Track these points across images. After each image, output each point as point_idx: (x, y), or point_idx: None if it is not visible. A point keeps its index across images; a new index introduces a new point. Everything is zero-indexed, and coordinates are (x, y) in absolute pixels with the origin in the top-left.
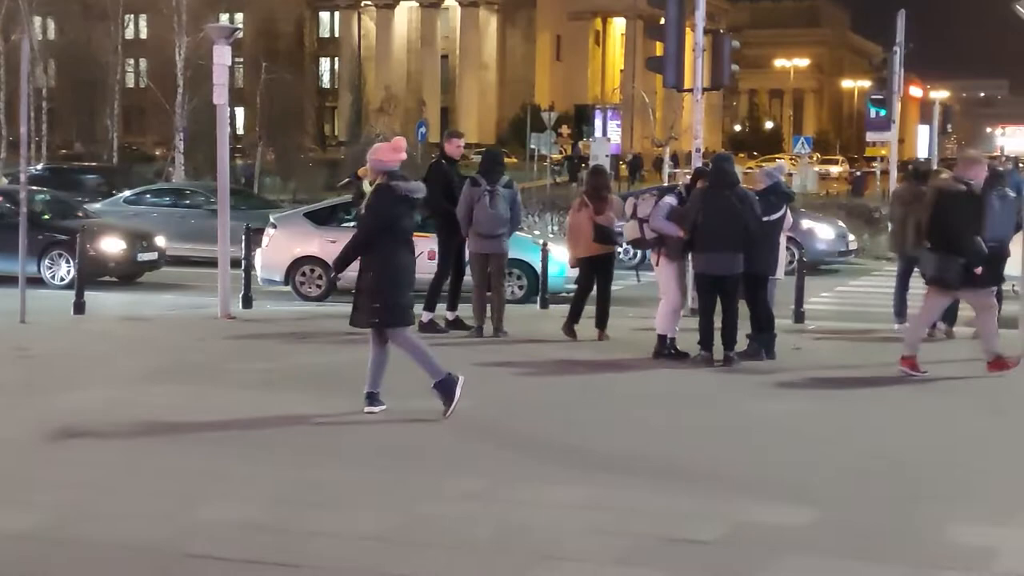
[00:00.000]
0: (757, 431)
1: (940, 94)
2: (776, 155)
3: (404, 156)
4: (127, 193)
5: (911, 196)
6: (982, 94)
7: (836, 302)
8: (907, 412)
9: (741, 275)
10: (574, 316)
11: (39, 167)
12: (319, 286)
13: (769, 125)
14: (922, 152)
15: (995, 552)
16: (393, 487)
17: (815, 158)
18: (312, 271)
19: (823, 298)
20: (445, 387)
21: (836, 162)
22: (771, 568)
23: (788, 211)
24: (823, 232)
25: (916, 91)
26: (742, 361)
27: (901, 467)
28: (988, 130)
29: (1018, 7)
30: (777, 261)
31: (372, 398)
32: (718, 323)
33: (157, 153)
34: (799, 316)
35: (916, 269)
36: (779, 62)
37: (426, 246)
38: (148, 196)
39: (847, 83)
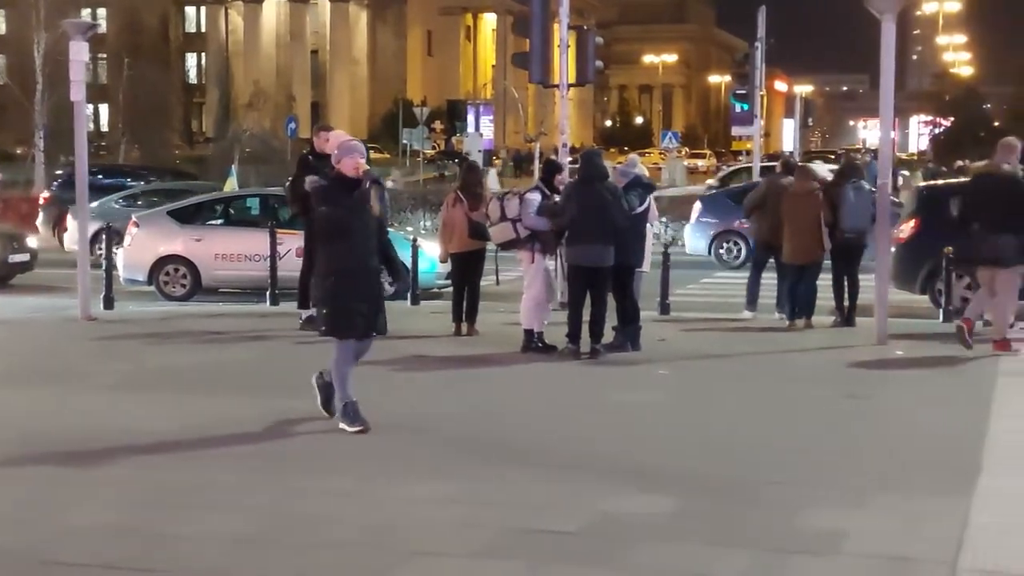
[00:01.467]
0: (620, 422)
1: (804, 88)
2: (646, 149)
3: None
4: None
5: (774, 189)
6: (844, 88)
7: (702, 293)
8: (765, 400)
9: (611, 268)
10: (457, 315)
11: None
12: (184, 285)
13: (639, 120)
14: (787, 145)
15: (844, 535)
16: (259, 487)
17: (684, 152)
18: (176, 270)
19: (689, 290)
20: (344, 412)
21: (704, 156)
22: (628, 556)
23: (652, 202)
24: None
25: (781, 86)
26: (608, 353)
27: (758, 453)
28: (851, 123)
29: (870, 3)
30: (644, 253)
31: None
32: (587, 316)
33: (18, 151)
34: (665, 308)
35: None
36: (648, 58)
37: (294, 243)
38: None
39: (714, 78)
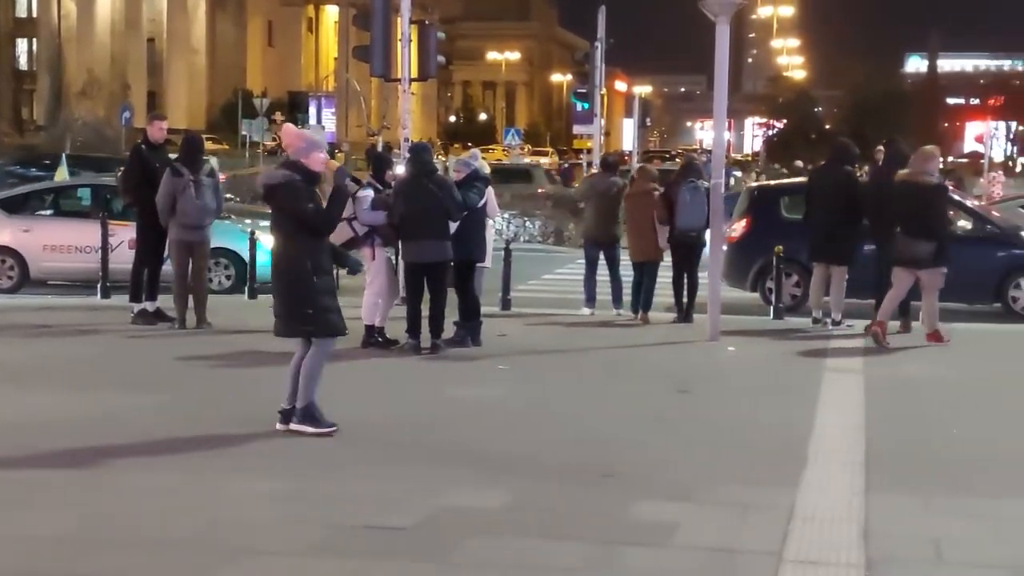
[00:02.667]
0: (458, 417)
1: (643, 88)
2: (489, 146)
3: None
4: None
5: (604, 187)
6: (683, 89)
7: (543, 289)
8: (600, 394)
9: (450, 263)
10: None
11: None
12: (11, 277)
13: (483, 116)
14: (627, 145)
15: (675, 527)
16: (84, 485)
17: (526, 149)
18: (3, 262)
19: (530, 285)
20: (306, 416)
21: (546, 153)
22: (462, 550)
23: (493, 197)
24: None
25: (621, 85)
26: (449, 348)
27: (592, 447)
28: (688, 124)
29: (705, 5)
30: (486, 248)
31: (306, 415)
32: (426, 311)
33: None
34: (506, 303)
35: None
36: (492, 54)
37: (126, 235)
38: None
39: (556, 77)
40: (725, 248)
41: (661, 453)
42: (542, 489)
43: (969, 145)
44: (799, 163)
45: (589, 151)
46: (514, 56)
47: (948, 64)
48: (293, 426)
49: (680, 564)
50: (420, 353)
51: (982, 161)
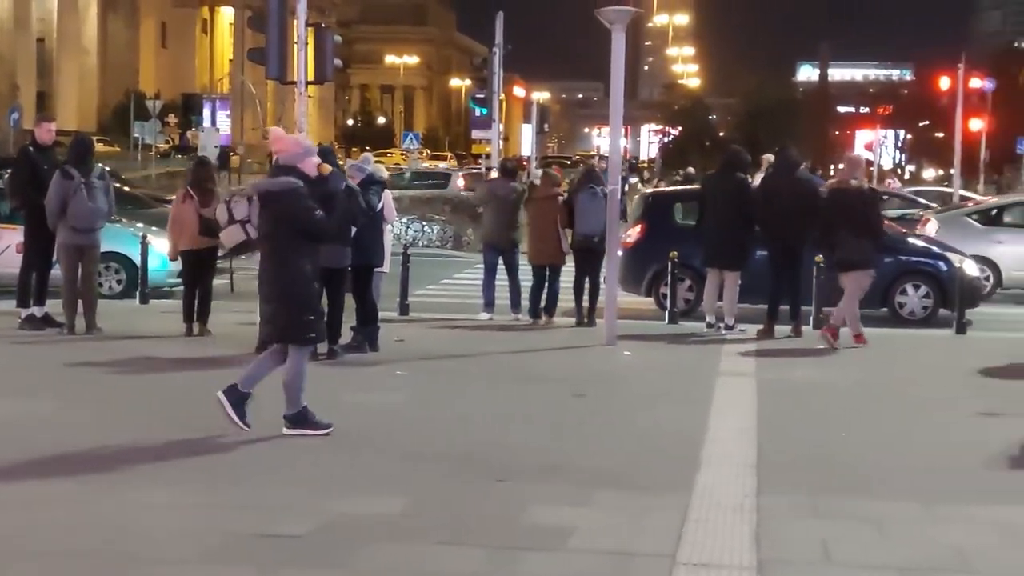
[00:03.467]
0: (356, 422)
1: (542, 94)
2: (387, 150)
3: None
4: None
5: (504, 192)
6: (580, 95)
7: (441, 294)
8: (498, 399)
9: (348, 268)
10: (188, 314)
11: None
12: None
13: (381, 120)
14: (526, 150)
15: (571, 531)
16: None
17: (425, 154)
18: None
19: (428, 290)
20: (299, 420)
21: (445, 158)
22: (358, 558)
23: (391, 201)
24: None
25: (520, 91)
26: (346, 354)
27: (489, 452)
28: (586, 130)
29: (601, 13)
30: (383, 252)
31: (299, 419)
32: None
33: None
34: (404, 308)
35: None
36: (390, 58)
37: (14, 238)
38: None
39: (455, 81)
40: (620, 253)
41: (557, 457)
42: (440, 494)
43: (859, 152)
44: (691, 170)
45: (488, 156)
46: (412, 60)
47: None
48: (287, 431)
49: (576, 568)
50: (317, 359)
51: (871, 168)
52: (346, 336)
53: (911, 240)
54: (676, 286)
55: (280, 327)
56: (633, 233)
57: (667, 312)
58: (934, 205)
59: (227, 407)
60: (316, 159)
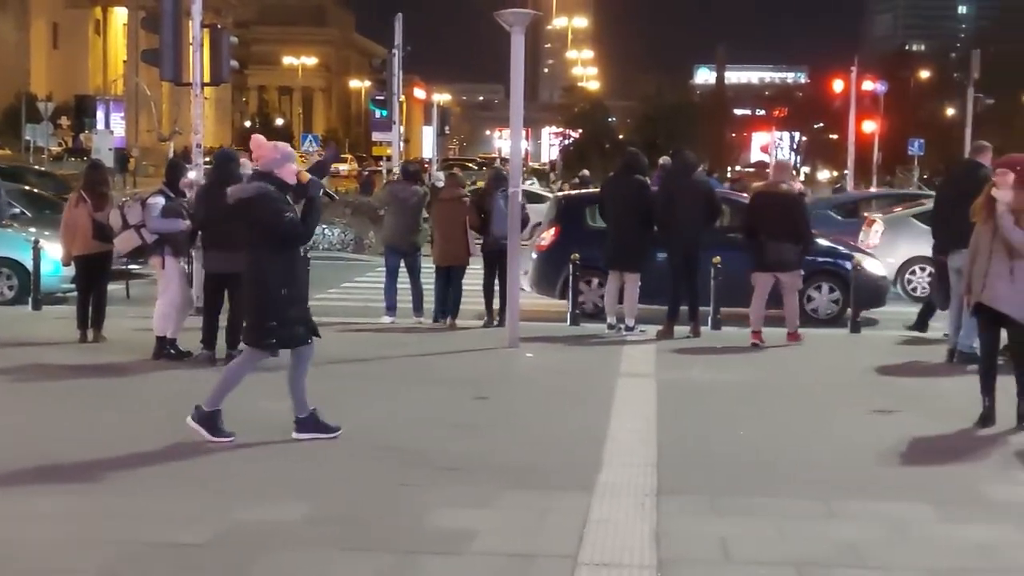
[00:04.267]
0: (254, 429)
1: (442, 96)
2: None
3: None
4: None
5: (405, 195)
6: (481, 98)
7: (343, 297)
8: (400, 403)
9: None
10: (82, 320)
11: None
12: None
13: (279, 122)
14: (427, 152)
15: (473, 534)
16: None
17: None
18: None
19: (330, 294)
20: (308, 425)
21: (345, 160)
22: (259, 566)
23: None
24: None
25: (420, 93)
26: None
27: (390, 455)
28: (487, 132)
29: (500, 16)
30: None
31: (308, 424)
32: (223, 321)
33: None
34: None
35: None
36: (288, 59)
37: None
38: None
39: (355, 83)
40: (534, 256)
41: (460, 460)
42: (340, 500)
43: (755, 155)
44: (586, 172)
45: (389, 158)
46: (311, 61)
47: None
48: (299, 436)
49: (478, 571)
50: (215, 364)
51: (767, 171)
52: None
53: (819, 241)
54: (578, 287)
55: (245, 328)
56: (547, 236)
57: (569, 314)
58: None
59: (202, 433)
60: (295, 166)
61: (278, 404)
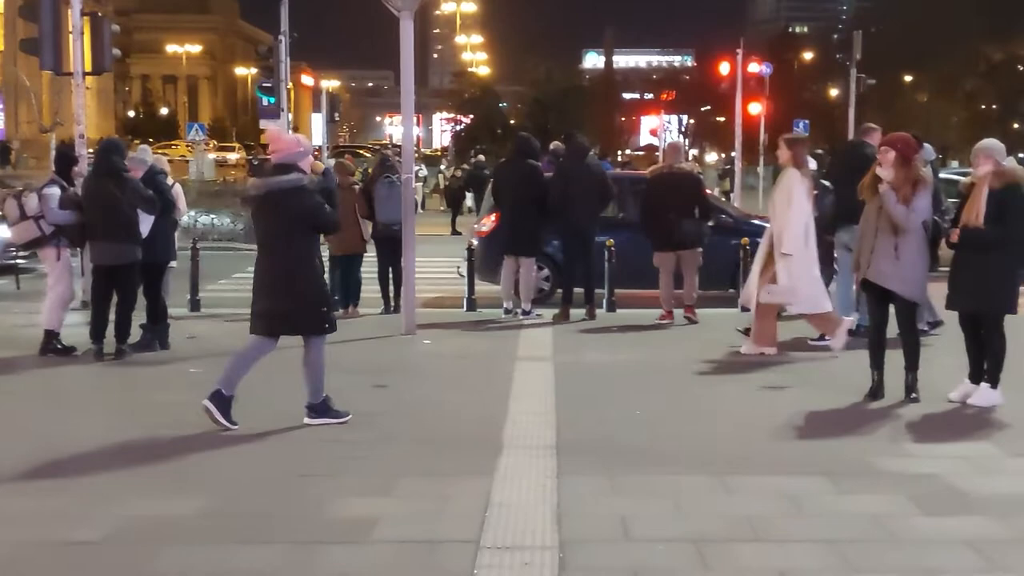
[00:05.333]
0: (146, 423)
1: (331, 83)
2: (172, 141)
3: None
4: None
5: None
6: (370, 84)
7: (234, 288)
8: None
9: (137, 264)
10: None
11: None
12: None
13: (164, 111)
14: (316, 140)
15: (375, 522)
16: None
17: (212, 145)
18: None
19: (220, 285)
20: (322, 411)
21: (233, 149)
22: (157, 561)
23: (181, 194)
24: None
25: (308, 80)
26: (135, 353)
27: (286, 446)
28: (378, 119)
29: (388, 1)
30: (174, 247)
31: (322, 410)
32: (111, 314)
33: None
34: (195, 304)
35: None
36: (171, 47)
37: None
38: None
39: (240, 71)
40: (475, 243)
41: (357, 449)
42: (237, 493)
43: (645, 138)
44: (481, 157)
45: None
46: (195, 49)
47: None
48: (310, 421)
49: (380, 559)
50: (104, 359)
51: (657, 154)
52: (135, 335)
53: (754, 221)
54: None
55: (297, 321)
56: (487, 223)
57: (465, 300)
58: None
59: (328, 422)
60: (311, 158)
61: (171, 396)
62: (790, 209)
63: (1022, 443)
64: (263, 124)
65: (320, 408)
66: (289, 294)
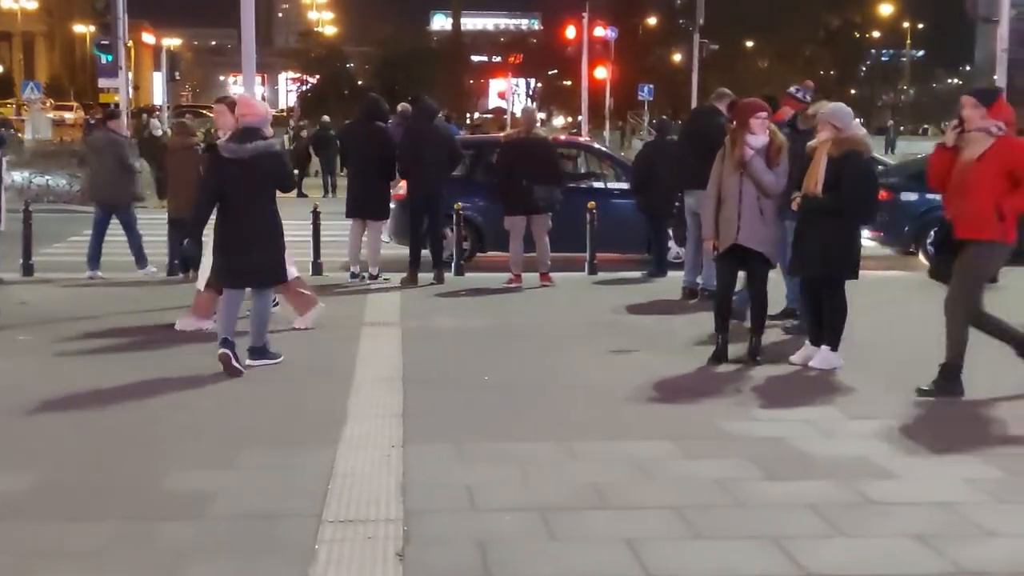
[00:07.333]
0: None
1: (173, 41)
2: (7, 100)
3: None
4: None
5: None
6: (214, 43)
7: (70, 252)
8: (133, 361)
9: None
10: None
11: None
12: None
13: None
14: (157, 99)
15: (212, 496)
16: None
17: (48, 104)
18: None
19: (56, 248)
20: (262, 352)
21: (71, 108)
22: None
23: (2, 157)
24: None
25: (149, 38)
26: None
27: (122, 416)
28: (221, 78)
29: None
30: (2, 210)
31: (262, 352)
32: None
33: None
34: (28, 269)
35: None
36: (7, 4)
37: None
38: None
39: (79, 28)
40: (393, 206)
41: (197, 417)
42: (69, 468)
43: (493, 101)
44: (326, 118)
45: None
46: (31, 6)
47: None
48: (252, 363)
49: (216, 534)
50: None
51: (505, 116)
52: None
53: None
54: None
55: (267, 272)
56: (402, 186)
57: (311, 264)
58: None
59: (267, 363)
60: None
61: None
62: None
63: (861, 406)
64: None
65: (261, 351)
66: (266, 249)
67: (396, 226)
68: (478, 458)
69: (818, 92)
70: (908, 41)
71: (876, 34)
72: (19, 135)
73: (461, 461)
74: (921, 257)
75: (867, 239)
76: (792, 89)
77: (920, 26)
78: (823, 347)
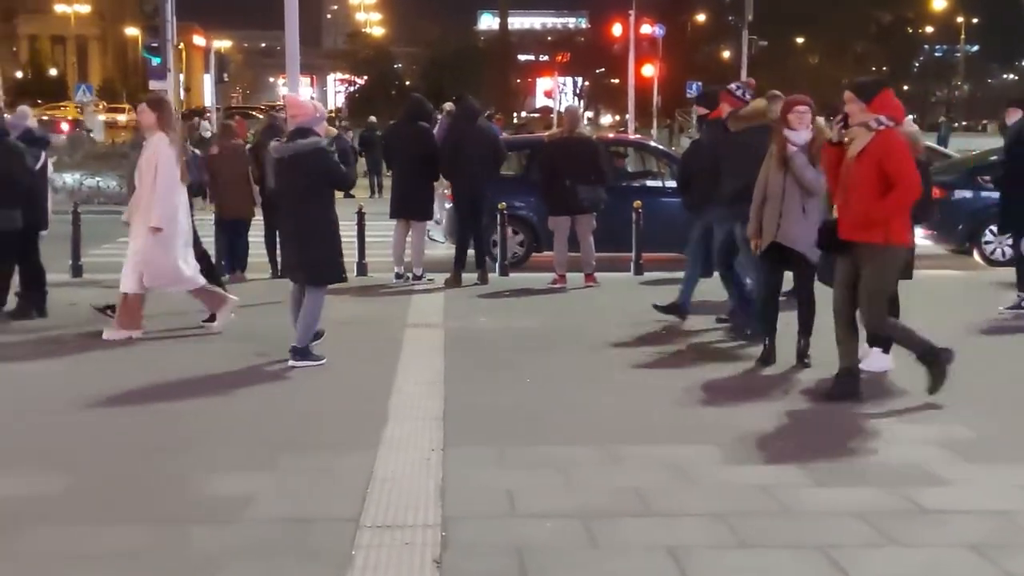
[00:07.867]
0: (13, 397)
1: (223, 43)
2: (61, 103)
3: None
4: None
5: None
6: (263, 44)
7: (118, 254)
8: (176, 364)
9: (17, 232)
10: None
11: None
12: None
13: (53, 72)
14: (208, 101)
15: (250, 499)
16: None
17: (101, 106)
18: None
19: (105, 250)
20: (304, 353)
21: (123, 110)
22: (15, 543)
23: (48, 159)
24: None
25: (200, 40)
26: (13, 321)
27: (166, 419)
28: (271, 80)
29: None
30: (47, 212)
31: (305, 353)
32: None
33: None
34: (77, 270)
35: None
36: (60, 7)
37: None
38: None
39: (131, 31)
40: (448, 207)
41: (234, 421)
42: (104, 471)
43: (540, 100)
44: (372, 119)
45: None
46: (84, 9)
47: (518, 21)
48: (294, 363)
49: (252, 539)
50: None
51: (552, 115)
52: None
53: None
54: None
55: (316, 270)
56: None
57: (356, 264)
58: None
59: (308, 364)
60: (325, 124)
61: (32, 366)
62: (157, 179)
63: (912, 409)
64: (152, 85)
65: (304, 352)
66: (317, 248)
67: (451, 226)
68: (519, 462)
69: (757, 92)
70: (962, 36)
71: (929, 29)
72: (89, 133)
73: (501, 465)
74: (976, 256)
75: (921, 238)
76: (732, 86)
77: (975, 21)
78: (874, 349)
